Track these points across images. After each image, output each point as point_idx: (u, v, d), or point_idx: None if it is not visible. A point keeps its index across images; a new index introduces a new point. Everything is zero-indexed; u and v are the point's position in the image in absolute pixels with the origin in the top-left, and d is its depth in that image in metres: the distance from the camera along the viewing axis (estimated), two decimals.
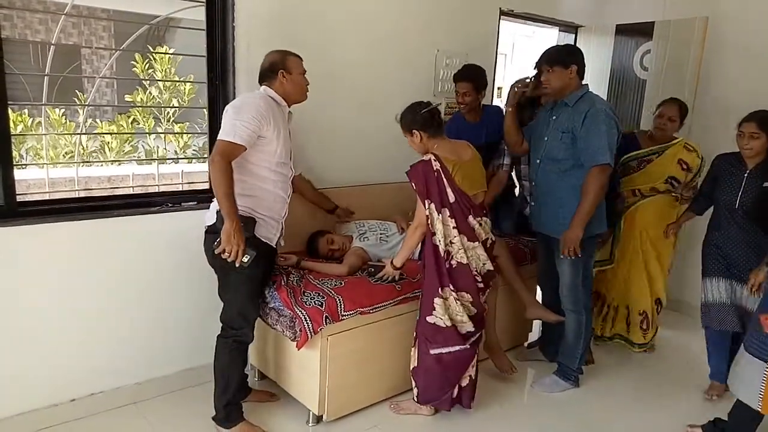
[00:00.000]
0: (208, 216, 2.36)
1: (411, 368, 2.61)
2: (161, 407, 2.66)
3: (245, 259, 2.18)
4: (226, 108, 2.30)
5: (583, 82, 2.76)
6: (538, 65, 2.81)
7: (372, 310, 2.53)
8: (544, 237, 2.93)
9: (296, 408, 2.63)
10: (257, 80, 2.41)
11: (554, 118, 2.78)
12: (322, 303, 2.41)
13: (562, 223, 2.69)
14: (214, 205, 2.32)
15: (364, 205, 3.21)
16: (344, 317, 2.43)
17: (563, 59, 2.72)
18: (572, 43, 2.99)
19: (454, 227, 2.41)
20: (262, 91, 2.36)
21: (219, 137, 2.20)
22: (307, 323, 2.34)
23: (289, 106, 2.43)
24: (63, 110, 5.99)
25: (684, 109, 3.20)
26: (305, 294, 2.47)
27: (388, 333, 2.65)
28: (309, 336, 2.35)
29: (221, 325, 2.41)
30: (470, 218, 2.43)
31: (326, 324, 2.37)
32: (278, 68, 2.34)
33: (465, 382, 2.61)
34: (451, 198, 2.40)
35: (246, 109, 2.21)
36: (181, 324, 2.74)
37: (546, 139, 2.80)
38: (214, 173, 2.16)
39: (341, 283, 2.57)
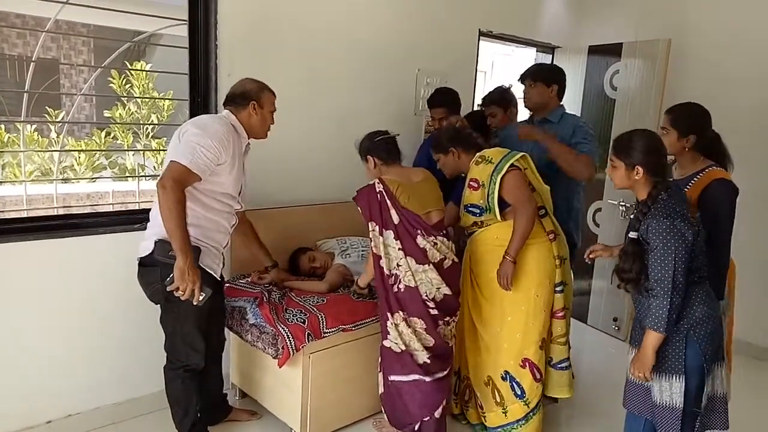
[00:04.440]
0: (143, 246, 2.16)
1: (379, 393, 2.53)
2: (140, 428, 2.62)
3: (201, 297, 2.04)
4: (184, 125, 2.15)
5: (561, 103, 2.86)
6: (522, 78, 2.91)
7: (354, 327, 2.54)
8: None
9: (278, 426, 2.61)
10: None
11: None
12: (304, 320, 2.41)
13: None
14: (151, 234, 2.15)
15: (345, 221, 3.23)
16: (326, 334, 2.43)
17: (546, 77, 2.84)
18: (558, 65, 3.07)
19: (399, 248, 2.34)
20: (225, 116, 2.25)
21: (173, 158, 2.01)
22: (289, 340, 2.34)
23: (248, 139, 2.32)
24: (35, 126, 5.91)
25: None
26: (287, 311, 2.47)
27: (371, 350, 2.65)
28: (291, 353, 2.34)
29: (166, 355, 2.31)
30: (419, 239, 2.33)
31: (308, 341, 2.37)
32: (251, 99, 2.25)
33: (427, 418, 2.40)
34: (395, 219, 2.33)
35: (209, 134, 2.07)
36: (161, 343, 2.70)
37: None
38: (165, 201, 1.95)
39: (323, 300, 2.58)
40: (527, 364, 2.49)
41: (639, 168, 1.96)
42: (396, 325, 2.36)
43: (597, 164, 2.72)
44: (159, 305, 2.24)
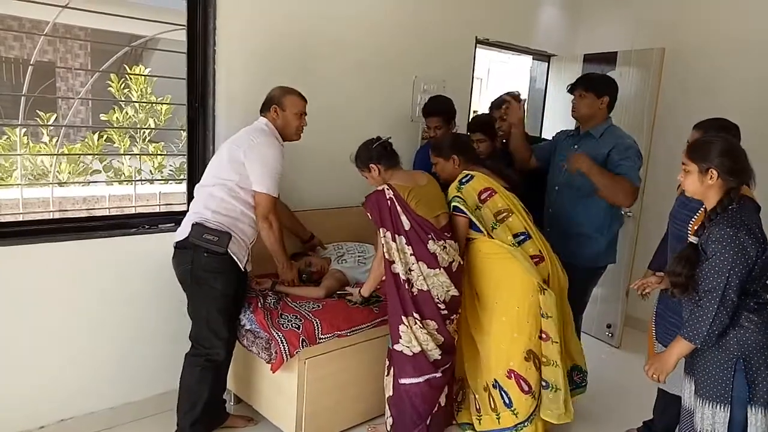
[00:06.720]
0: (180, 231, 2.37)
1: (386, 397, 2.54)
2: None
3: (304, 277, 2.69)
4: (243, 150, 2.34)
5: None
6: (573, 88, 2.86)
7: (349, 332, 2.54)
8: None
9: None
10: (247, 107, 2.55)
11: (576, 147, 2.82)
12: (299, 326, 2.41)
13: (579, 248, 2.70)
14: (187, 221, 2.36)
15: (341, 227, 3.24)
16: (321, 340, 2.44)
17: (598, 88, 2.78)
18: (609, 76, 2.93)
19: (411, 254, 2.37)
20: (264, 127, 2.46)
21: (262, 190, 2.34)
22: (283, 346, 2.34)
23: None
24: (24, 130, 5.87)
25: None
26: (282, 316, 2.47)
27: (366, 355, 2.66)
28: (285, 359, 2.34)
29: (191, 343, 2.41)
30: (430, 244, 2.37)
31: (303, 347, 2.37)
32: (272, 103, 2.47)
33: (435, 410, 2.49)
34: (406, 225, 2.36)
35: (276, 157, 2.38)
36: (157, 347, 2.71)
37: (565, 168, 2.80)
38: (273, 235, 2.40)
39: (319, 306, 2.58)
40: (513, 375, 2.49)
41: (713, 171, 1.82)
42: (410, 327, 2.37)
43: (638, 183, 2.66)
44: (185, 291, 2.39)
